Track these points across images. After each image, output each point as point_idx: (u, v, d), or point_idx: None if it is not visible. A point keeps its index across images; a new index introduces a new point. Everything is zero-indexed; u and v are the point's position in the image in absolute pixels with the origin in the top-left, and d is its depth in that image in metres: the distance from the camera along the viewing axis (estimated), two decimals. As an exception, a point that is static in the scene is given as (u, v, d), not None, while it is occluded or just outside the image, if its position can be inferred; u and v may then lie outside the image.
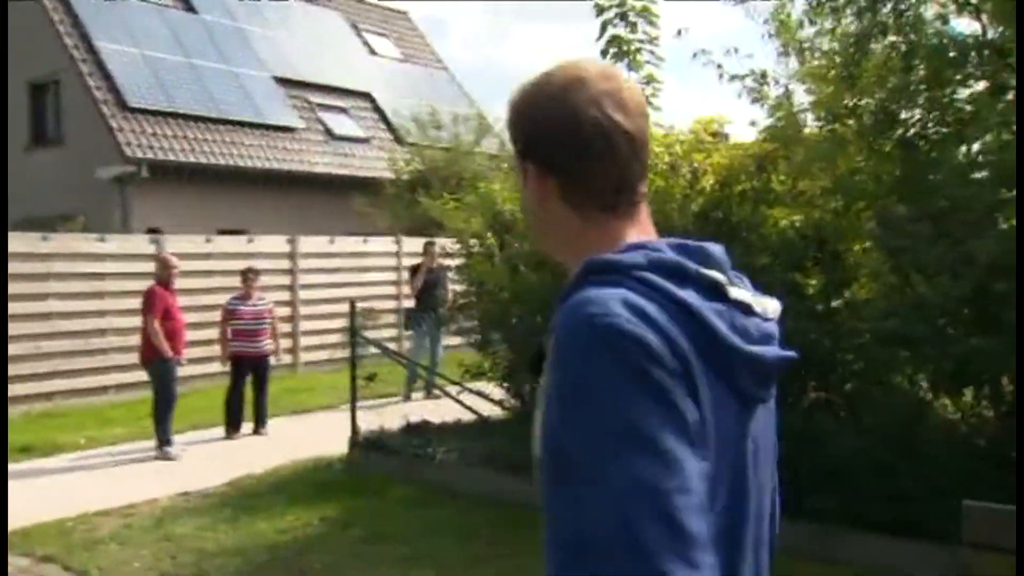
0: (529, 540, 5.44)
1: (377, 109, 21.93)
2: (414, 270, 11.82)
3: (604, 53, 6.80)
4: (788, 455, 1.30)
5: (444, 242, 15.31)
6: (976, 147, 5.69)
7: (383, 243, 14.32)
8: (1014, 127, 5.79)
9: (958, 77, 6.01)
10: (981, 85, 6.00)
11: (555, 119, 1.16)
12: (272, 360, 9.77)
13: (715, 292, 1.08)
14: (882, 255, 5.14)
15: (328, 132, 20.03)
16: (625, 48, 6.74)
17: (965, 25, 6.15)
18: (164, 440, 8.37)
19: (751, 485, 1.07)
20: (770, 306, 1.16)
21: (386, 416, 7.87)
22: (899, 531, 4.78)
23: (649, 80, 6.63)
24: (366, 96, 21.95)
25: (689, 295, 1.04)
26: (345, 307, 12.58)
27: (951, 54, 6.00)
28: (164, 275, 8.72)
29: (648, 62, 6.72)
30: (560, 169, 1.17)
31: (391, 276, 14.27)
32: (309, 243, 13.20)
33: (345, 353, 13.58)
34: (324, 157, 19.38)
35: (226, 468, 7.53)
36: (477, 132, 18.69)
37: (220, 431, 9.45)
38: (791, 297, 5.00)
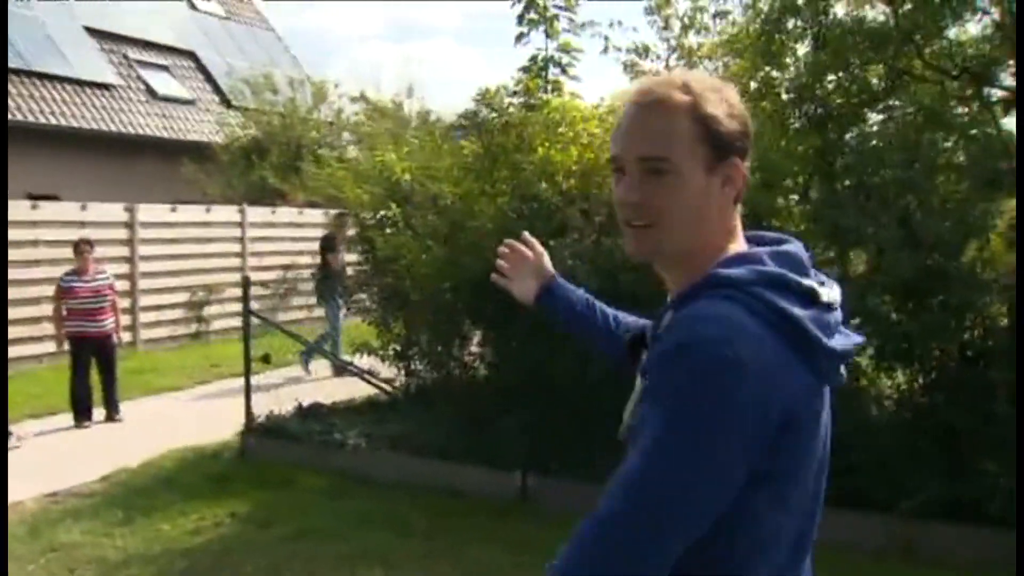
0: (470, 530, 5.19)
1: (202, 69, 20.50)
2: (328, 241, 10.93)
3: (520, 18, 6.55)
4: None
5: (310, 212, 14.55)
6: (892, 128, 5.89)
7: (227, 212, 13.38)
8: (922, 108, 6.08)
9: (863, 60, 6.21)
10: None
11: (748, 126, 1.34)
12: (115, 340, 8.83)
13: (810, 298, 1.26)
14: (821, 231, 5.22)
15: (150, 91, 18.50)
16: (541, 14, 6.51)
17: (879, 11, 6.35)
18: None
19: (826, 452, 1.31)
20: (837, 294, 1.32)
21: (273, 398, 7.29)
22: (843, 503, 4.89)
23: (566, 48, 6.43)
24: (190, 55, 20.46)
25: (791, 306, 1.22)
26: (188, 280, 11.77)
27: (857, 38, 6.19)
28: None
29: (566, 30, 6.52)
30: (744, 168, 1.34)
31: (235, 247, 13.37)
32: (149, 212, 12.11)
33: (188, 330, 12.73)
34: (147, 118, 17.90)
35: (91, 462, 6.73)
36: (315, 98, 17.83)
37: (65, 419, 8.50)
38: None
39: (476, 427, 6.05)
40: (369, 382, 7.40)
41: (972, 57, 6.24)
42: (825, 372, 1.25)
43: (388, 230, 7.20)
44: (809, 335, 1.21)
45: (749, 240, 1.37)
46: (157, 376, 10.53)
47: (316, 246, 14.72)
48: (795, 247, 1.33)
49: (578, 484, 5.33)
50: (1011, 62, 6.04)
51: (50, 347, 10.53)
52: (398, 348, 7.58)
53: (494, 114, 6.10)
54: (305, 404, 7.13)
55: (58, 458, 7.08)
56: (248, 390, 6.83)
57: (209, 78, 20.42)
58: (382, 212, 7.16)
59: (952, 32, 6.39)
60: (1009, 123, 6.08)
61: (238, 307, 13.29)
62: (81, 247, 8.77)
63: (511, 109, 6.07)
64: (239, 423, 7.71)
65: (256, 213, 13.77)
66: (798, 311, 1.22)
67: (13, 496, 5.90)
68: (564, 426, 5.49)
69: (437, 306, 6.52)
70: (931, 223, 4.80)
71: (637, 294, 3.85)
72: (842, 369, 1.30)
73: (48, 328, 10.61)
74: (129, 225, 11.69)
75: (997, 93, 6.52)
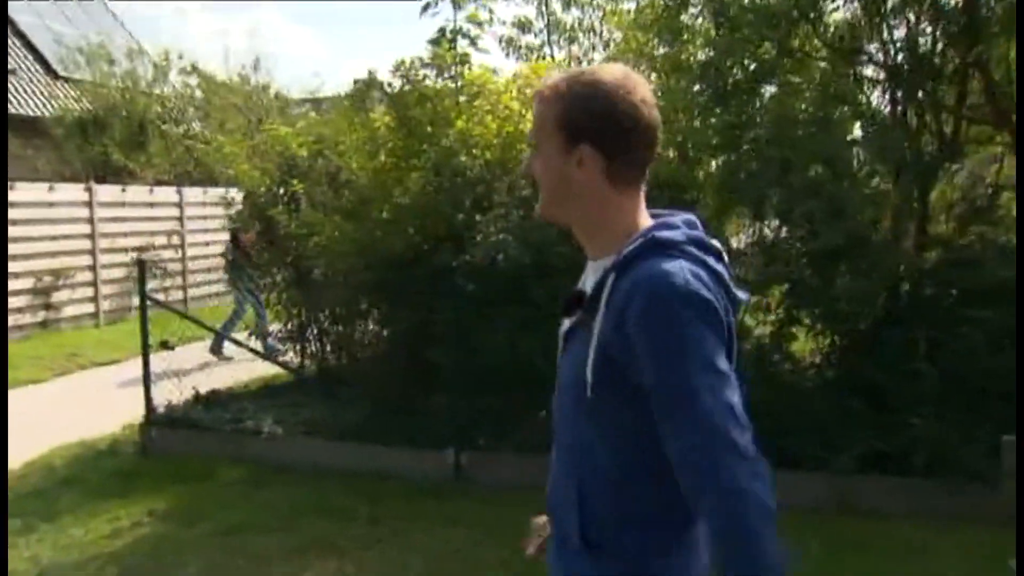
0: (413, 512, 5.09)
1: (20, 35, 18.84)
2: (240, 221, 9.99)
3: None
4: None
5: (161, 191, 13.62)
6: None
7: (73, 191, 12.41)
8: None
9: (758, 37, 6.44)
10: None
11: (616, 113, 1.51)
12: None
13: (720, 256, 1.56)
14: (745, 204, 5.40)
15: (-37, 58, 16.83)
16: (445, -17, 6.35)
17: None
18: None
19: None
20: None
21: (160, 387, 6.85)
22: (780, 464, 5.12)
23: (475, 20, 6.31)
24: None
25: (715, 263, 1.52)
26: (32, 265, 10.93)
27: (750, 17, 6.41)
28: None
29: (474, 2, 6.40)
30: (612, 152, 1.52)
31: (84, 228, 12.43)
32: (-12, 191, 11.06)
33: (31, 319, 11.75)
34: (-39, 87, 16.28)
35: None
36: (157, 70, 16.76)
37: None
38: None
39: (398, 408, 5.92)
40: (282, 365, 7.09)
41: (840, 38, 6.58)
42: (734, 312, 1.55)
43: (281, 208, 6.90)
44: (727, 285, 1.51)
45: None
46: (11, 369, 9.66)
47: (169, 226, 14.04)
48: (693, 217, 1.61)
49: (512, 456, 5.35)
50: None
51: None
52: (295, 329, 7.32)
53: (407, 86, 5.92)
54: (202, 391, 6.73)
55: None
56: (147, 379, 6.36)
57: (30, 45, 18.81)
58: (280, 189, 6.84)
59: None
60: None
61: (90, 292, 12.52)
62: None
63: (427, 81, 5.91)
64: (123, 414, 7.25)
65: (105, 192, 12.84)
66: (719, 267, 1.52)
67: None
68: (494, 401, 5.46)
69: (349, 285, 6.31)
70: (854, 194, 5.06)
71: (569, 268, 3.86)
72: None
73: None
74: (-34, 206, 10.64)
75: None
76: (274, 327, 7.74)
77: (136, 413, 7.30)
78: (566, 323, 1.63)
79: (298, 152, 6.86)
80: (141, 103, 15.81)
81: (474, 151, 5.65)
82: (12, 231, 11.21)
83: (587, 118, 1.51)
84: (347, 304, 6.51)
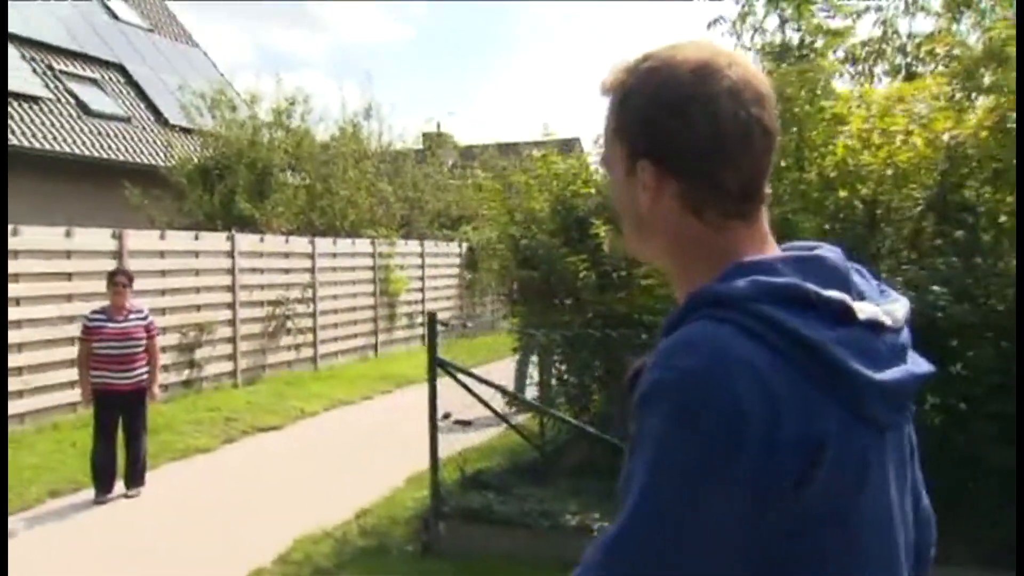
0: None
1: (133, 84, 18.37)
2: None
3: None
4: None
5: (296, 240, 12.47)
6: None
7: (216, 240, 11.57)
8: None
9: None
10: None
11: (687, 112, 1.02)
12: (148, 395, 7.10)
13: (842, 316, 0.98)
14: None
15: (82, 106, 16.29)
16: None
17: None
18: None
19: (895, 511, 1.03)
20: (899, 310, 1.05)
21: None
22: None
23: (825, 31, 5.29)
24: (119, 68, 18.31)
25: (811, 328, 0.95)
26: (178, 318, 10.08)
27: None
28: None
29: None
30: (686, 169, 1.04)
31: (226, 280, 11.55)
32: (137, 239, 10.22)
33: (179, 377, 10.81)
34: (79, 135, 15.69)
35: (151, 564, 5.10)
36: (276, 115, 16.04)
37: (73, 497, 6.77)
38: None
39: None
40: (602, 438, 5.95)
41: None
42: (870, 411, 0.96)
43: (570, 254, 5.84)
44: (837, 365, 0.94)
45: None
46: (171, 434, 8.68)
47: (304, 279, 13.14)
48: (829, 252, 1.04)
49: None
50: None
51: (32, 402, 8.66)
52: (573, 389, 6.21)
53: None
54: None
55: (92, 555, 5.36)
56: (435, 461, 5.27)
57: (141, 93, 18.32)
58: (571, 232, 5.77)
59: None
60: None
61: (228, 349, 11.58)
62: (117, 279, 7.03)
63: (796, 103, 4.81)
64: (337, 496, 6.22)
65: (244, 241, 11.99)
66: (818, 333, 0.94)
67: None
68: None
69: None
70: None
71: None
72: (905, 407, 1.05)
73: (34, 378, 8.70)
74: (117, 255, 9.78)
75: None
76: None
77: (359, 496, 6.29)
78: None
79: (582, 190, 5.84)
80: (264, 150, 15.06)
81: (856, 186, 4.58)
82: (162, 283, 10.35)
83: (640, 121, 1.05)
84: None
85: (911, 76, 5.34)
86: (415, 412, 10.33)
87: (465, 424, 5.41)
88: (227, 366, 11.58)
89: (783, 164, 4.56)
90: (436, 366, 5.11)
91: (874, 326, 1.00)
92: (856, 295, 1.02)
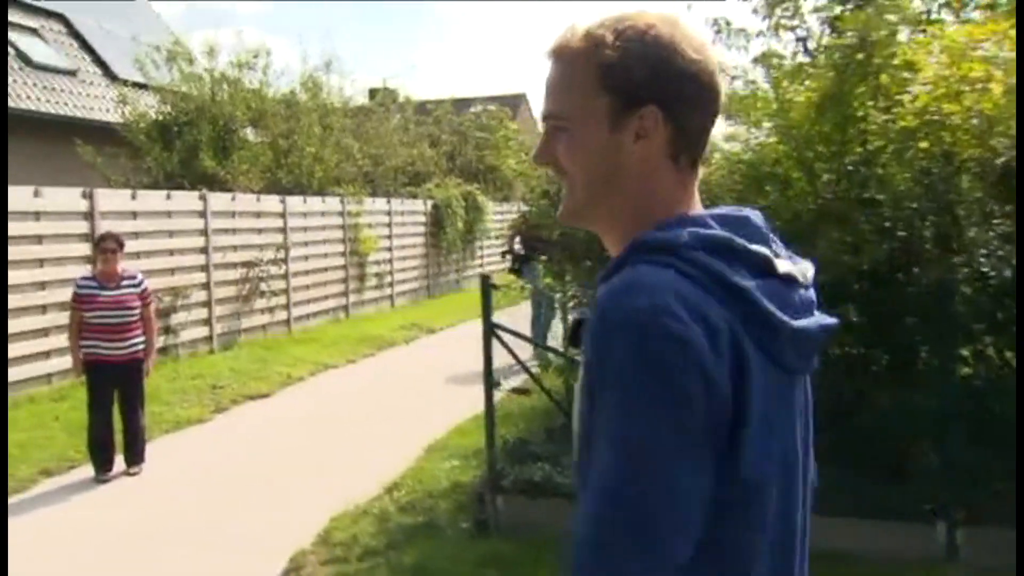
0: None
1: (76, 35, 17.37)
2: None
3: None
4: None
5: (267, 199, 11.70)
6: None
7: (188, 199, 10.97)
8: None
9: None
10: None
11: (684, 64, 1.12)
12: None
13: (763, 268, 1.09)
14: None
15: (23, 58, 15.32)
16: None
17: None
18: None
19: (800, 459, 1.13)
20: (809, 271, 1.18)
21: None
22: None
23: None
24: (59, 17, 17.26)
25: (739, 275, 1.05)
26: (153, 283, 9.58)
27: None
28: None
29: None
30: (683, 114, 1.13)
31: (199, 241, 10.99)
32: (109, 199, 9.61)
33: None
34: (22, 89, 14.77)
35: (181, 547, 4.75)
36: (238, 67, 15.25)
37: (70, 476, 6.35)
38: None
39: (868, 468, 4.55)
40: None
41: None
42: (783, 356, 1.07)
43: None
44: (760, 309, 1.05)
45: None
46: (159, 405, 8.21)
47: (278, 238, 12.62)
48: (753, 214, 1.17)
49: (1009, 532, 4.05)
50: None
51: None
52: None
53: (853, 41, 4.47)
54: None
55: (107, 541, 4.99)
56: (492, 431, 4.96)
57: (86, 45, 17.33)
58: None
59: None
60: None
61: (204, 313, 11.06)
62: (105, 244, 6.52)
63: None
64: (356, 468, 5.92)
65: (217, 201, 11.41)
66: (747, 281, 1.05)
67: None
68: (1000, 459, 4.16)
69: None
70: None
71: None
72: (811, 355, 1.14)
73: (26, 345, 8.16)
74: (88, 215, 9.18)
75: None
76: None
77: (379, 468, 5.98)
78: None
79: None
80: (227, 105, 14.35)
81: (942, 134, 4.34)
82: (133, 245, 9.76)
83: (649, 71, 1.11)
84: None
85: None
86: (405, 376, 10.09)
87: (522, 393, 5.11)
88: (203, 331, 11.06)
89: (868, 114, 4.30)
90: (491, 331, 4.73)
91: (789, 280, 1.12)
92: (774, 254, 1.13)
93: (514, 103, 36.69)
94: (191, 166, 13.69)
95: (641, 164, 1.13)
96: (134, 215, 9.85)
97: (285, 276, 12.79)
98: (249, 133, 15.20)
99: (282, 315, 12.80)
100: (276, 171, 14.68)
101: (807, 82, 4.40)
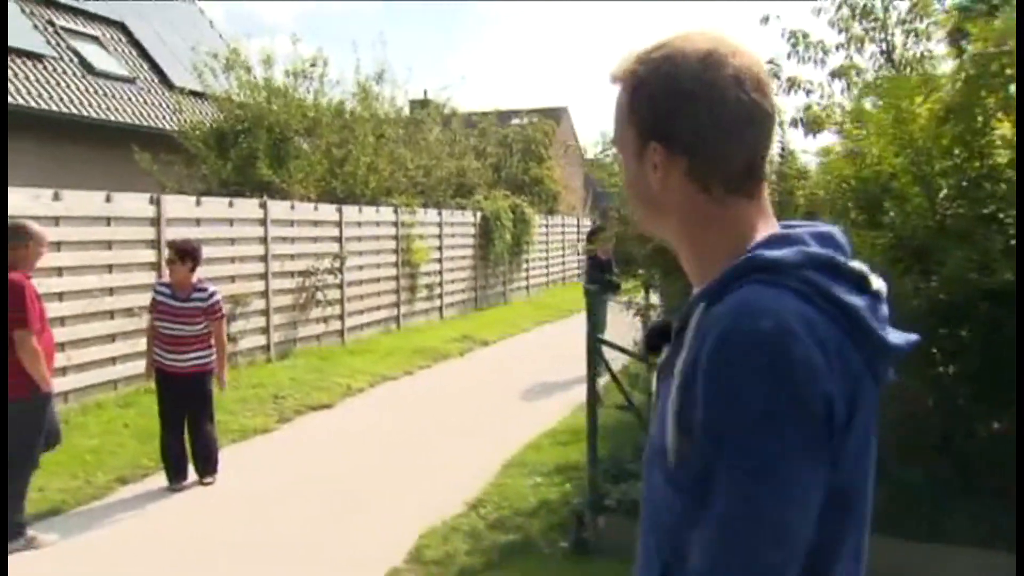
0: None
1: (135, 43, 17.55)
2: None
3: None
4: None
5: (324, 208, 11.59)
6: None
7: (250, 207, 10.97)
8: None
9: None
10: None
11: (697, 98, 1.12)
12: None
13: (861, 284, 1.12)
14: None
15: (85, 65, 15.49)
16: None
17: None
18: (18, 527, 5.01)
19: (874, 456, 1.14)
20: (883, 286, 1.17)
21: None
22: None
23: None
24: (119, 26, 17.46)
25: (846, 294, 1.07)
26: (218, 287, 9.48)
27: None
28: (26, 255, 5.13)
29: None
30: (692, 148, 1.14)
31: (259, 249, 10.98)
32: (174, 205, 9.62)
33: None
34: (83, 96, 14.92)
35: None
36: (295, 77, 15.30)
37: (145, 484, 6.28)
38: None
39: (933, 488, 4.41)
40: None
41: None
42: (877, 370, 1.10)
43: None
44: (866, 327, 1.07)
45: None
46: (223, 414, 8.15)
47: (334, 247, 12.60)
48: (834, 229, 1.19)
49: None
50: None
51: (75, 380, 8.10)
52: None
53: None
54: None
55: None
56: (593, 444, 4.82)
57: (144, 53, 17.51)
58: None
59: None
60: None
61: (262, 322, 11.03)
62: (168, 255, 6.42)
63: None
64: (432, 484, 5.81)
65: (276, 209, 11.40)
66: (854, 299, 1.08)
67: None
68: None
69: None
70: None
71: None
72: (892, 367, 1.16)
73: (76, 354, 8.14)
74: (155, 222, 9.18)
75: None
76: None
77: (459, 484, 5.87)
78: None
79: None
80: (283, 114, 14.38)
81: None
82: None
83: (651, 106, 1.15)
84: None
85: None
86: (466, 389, 9.99)
87: (627, 408, 4.97)
88: (260, 340, 11.04)
89: (993, 127, 4.13)
90: (595, 345, 4.60)
91: (878, 296, 1.13)
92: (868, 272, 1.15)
93: (556, 115, 36.71)
94: (246, 174, 13.72)
95: (668, 193, 1.16)
96: (198, 222, 9.84)
97: (340, 286, 12.76)
98: (303, 142, 15.23)
99: (336, 325, 12.76)
100: (331, 180, 14.66)
101: (932, 94, 4.23)
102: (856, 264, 1.12)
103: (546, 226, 23.16)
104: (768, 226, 1.16)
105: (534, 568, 4.38)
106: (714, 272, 1.12)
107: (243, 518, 5.55)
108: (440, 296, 16.37)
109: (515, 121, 29.87)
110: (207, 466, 6.37)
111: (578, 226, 26.71)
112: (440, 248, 16.21)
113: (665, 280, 5.54)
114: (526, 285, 21.17)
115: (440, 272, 16.21)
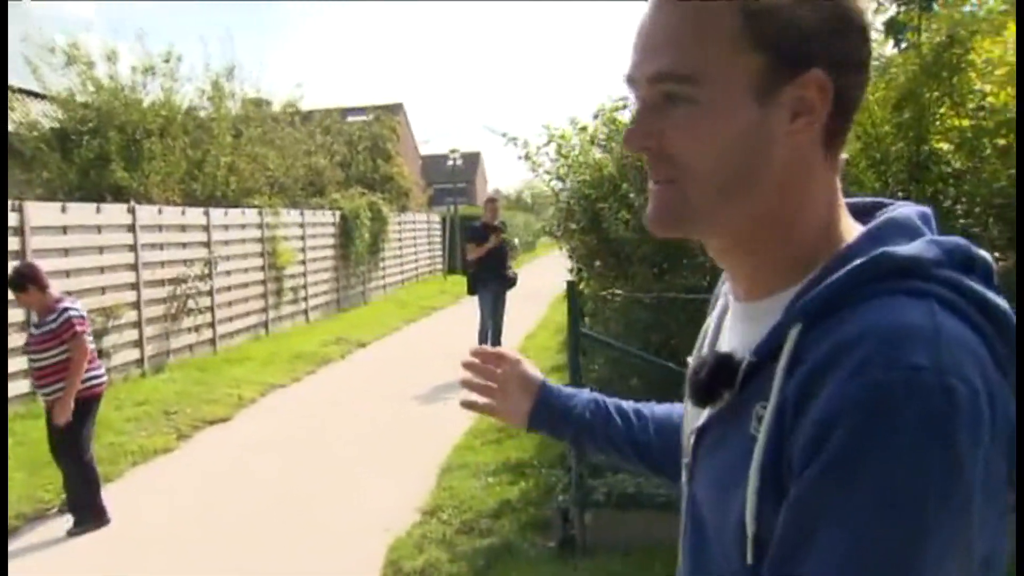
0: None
1: (-51, 36, 15.93)
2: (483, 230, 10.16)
3: None
4: None
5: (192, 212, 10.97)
6: None
7: (118, 213, 10.21)
8: None
9: None
10: None
11: (861, 24, 0.83)
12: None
13: (990, 277, 0.83)
14: None
15: None
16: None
17: None
18: None
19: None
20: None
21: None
22: None
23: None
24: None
25: (987, 290, 0.80)
26: (83, 303, 8.92)
27: None
28: None
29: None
30: (853, 86, 0.84)
31: (128, 257, 10.24)
32: (39, 212, 8.80)
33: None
34: None
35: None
36: (143, 74, 14.34)
37: (48, 526, 5.70)
38: None
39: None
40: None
41: None
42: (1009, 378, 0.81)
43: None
44: (1011, 333, 0.80)
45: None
46: (115, 435, 7.58)
47: (203, 253, 11.94)
48: (926, 209, 0.90)
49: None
50: None
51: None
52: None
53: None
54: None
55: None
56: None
57: (-39, 48, 15.94)
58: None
59: None
60: None
61: (135, 334, 10.30)
62: (11, 292, 5.57)
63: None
64: (366, 495, 5.65)
65: (145, 214, 10.68)
66: (1000, 301, 0.80)
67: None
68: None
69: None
70: None
71: None
72: None
73: None
74: (19, 231, 8.39)
75: None
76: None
77: (400, 493, 5.71)
78: (699, 415, 0.94)
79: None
80: (136, 112, 13.47)
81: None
82: (64, 262, 9.00)
83: (819, 18, 0.81)
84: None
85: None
86: (362, 392, 9.69)
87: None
88: (134, 353, 10.33)
89: (940, 113, 4.40)
90: (579, 339, 4.54)
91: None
92: None
93: (393, 111, 36.33)
94: (97, 177, 12.80)
95: (791, 153, 0.83)
96: (64, 230, 9.08)
97: (210, 292, 12.12)
98: (157, 142, 14.35)
99: (207, 333, 12.11)
100: (190, 182, 13.90)
101: (889, 79, 4.46)
102: (986, 255, 0.85)
103: (399, 224, 22.90)
104: (842, 204, 0.89)
105: (527, 571, 4.30)
106: (783, 271, 0.86)
107: (174, 552, 5.16)
108: (306, 299, 15.85)
109: (351, 118, 29.43)
110: (73, 513, 5.54)
111: (428, 222, 26.60)
112: (304, 249, 15.69)
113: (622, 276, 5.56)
114: (383, 284, 20.87)
115: (304, 274, 15.70)
